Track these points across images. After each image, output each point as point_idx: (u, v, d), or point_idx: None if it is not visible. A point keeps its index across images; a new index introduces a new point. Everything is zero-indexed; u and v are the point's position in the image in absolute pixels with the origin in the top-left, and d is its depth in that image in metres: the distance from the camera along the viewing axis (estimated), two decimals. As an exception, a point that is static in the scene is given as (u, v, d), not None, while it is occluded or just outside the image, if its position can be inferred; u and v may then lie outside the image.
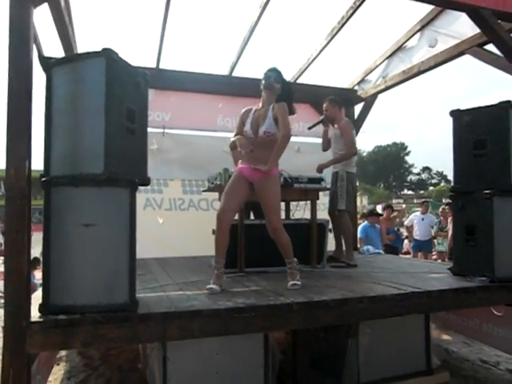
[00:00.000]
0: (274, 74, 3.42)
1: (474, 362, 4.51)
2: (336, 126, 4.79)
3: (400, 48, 5.59)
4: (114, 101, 2.38)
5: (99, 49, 2.41)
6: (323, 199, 5.14)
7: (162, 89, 5.74)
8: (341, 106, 5.05)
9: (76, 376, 3.92)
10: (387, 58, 5.80)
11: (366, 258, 5.28)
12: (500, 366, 4.34)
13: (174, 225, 5.78)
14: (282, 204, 5.32)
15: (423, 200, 9.52)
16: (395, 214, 9.37)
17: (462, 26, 4.44)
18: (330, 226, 4.55)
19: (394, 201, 35.00)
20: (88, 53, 2.45)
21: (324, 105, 4.90)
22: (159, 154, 5.74)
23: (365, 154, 62.56)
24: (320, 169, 4.69)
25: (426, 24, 5.05)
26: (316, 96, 6.43)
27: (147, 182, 2.71)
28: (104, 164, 2.32)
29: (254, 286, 3.39)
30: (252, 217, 4.94)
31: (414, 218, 9.00)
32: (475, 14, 3.65)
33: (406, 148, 67.68)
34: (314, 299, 2.82)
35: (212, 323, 2.57)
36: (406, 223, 9.19)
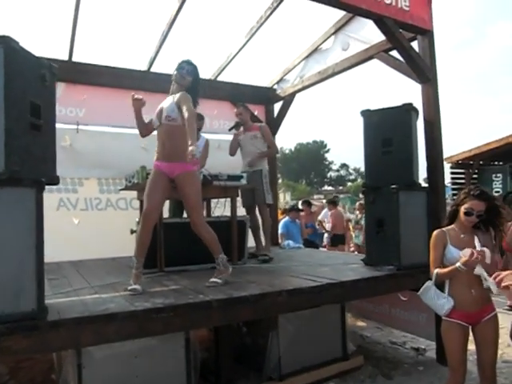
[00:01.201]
0: (188, 66, 3.38)
1: (385, 344, 4.86)
2: (249, 128, 5.07)
3: (316, 50, 5.81)
4: (14, 95, 2.21)
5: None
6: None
7: (74, 82, 5.43)
8: (249, 111, 5.37)
9: (-20, 396, 3.59)
10: (304, 58, 6.00)
11: (287, 253, 5.45)
12: (406, 345, 4.72)
13: (91, 225, 5.50)
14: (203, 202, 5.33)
15: (333, 197, 10.14)
16: (315, 209, 9.75)
17: (370, 33, 4.72)
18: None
19: (315, 196, 36.22)
20: (-20, 40, 2.23)
21: (237, 110, 5.15)
22: (73, 152, 5.43)
23: (287, 151, 64.32)
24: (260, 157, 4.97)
25: (339, 28, 5.31)
26: (236, 94, 6.52)
27: (56, 181, 2.55)
28: (5, 162, 2.15)
29: (174, 285, 3.35)
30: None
31: (325, 214, 9.41)
32: (380, 22, 3.92)
33: (325, 146, 70.56)
34: (233, 295, 2.85)
35: (129, 326, 2.49)
36: (319, 218, 9.59)
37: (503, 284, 2.28)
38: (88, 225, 5.50)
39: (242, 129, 5.13)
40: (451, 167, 10.31)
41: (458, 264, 2.48)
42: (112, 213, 5.79)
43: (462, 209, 2.63)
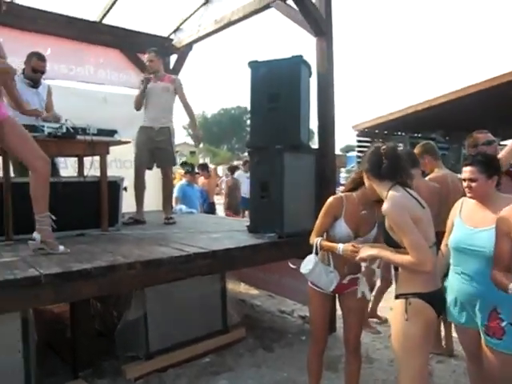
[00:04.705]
0: None
1: (274, 313, 4.70)
2: (161, 78, 4.51)
3: (214, -4, 5.26)
4: None
5: None
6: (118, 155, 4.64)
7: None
8: (162, 59, 4.84)
9: None
10: (202, 5, 5.43)
11: (176, 218, 5.01)
12: (294, 313, 4.59)
13: None
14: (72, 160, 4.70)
15: (245, 160, 9.70)
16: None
17: (269, -23, 4.27)
18: (126, 185, 4.09)
19: (235, 162, 36.01)
20: None
21: (147, 55, 4.57)
22: None
23: (209, 116, 62.96)
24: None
25: (237, -29, 4.79)
26: (128, 42, 5.82)
27: None
28: None
29: (12, 256, 2.77)
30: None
31: (239, 176, 9.06)
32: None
33: (248, 112, 70.04)
34: (72, 269, 2.37)
35: None
36: (230, 184, 9.24)
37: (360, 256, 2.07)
38: None
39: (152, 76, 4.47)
40: (357, 135, 10.40)
41: (340, 247, 2.22)
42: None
43: None
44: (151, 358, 3.23)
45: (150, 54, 4.50)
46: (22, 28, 5.03)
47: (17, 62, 4.03)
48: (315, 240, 2.37)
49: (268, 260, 3.53)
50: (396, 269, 2.12)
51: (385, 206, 1.91)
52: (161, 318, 3.27)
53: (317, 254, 2.37)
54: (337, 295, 2.51)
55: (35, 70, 4.03)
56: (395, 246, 1.95)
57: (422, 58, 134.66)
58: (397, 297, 2.01)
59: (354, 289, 2.40)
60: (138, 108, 4.54)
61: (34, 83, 4.08)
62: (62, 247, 2.89)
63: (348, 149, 27.36)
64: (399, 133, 11.06)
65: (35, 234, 2.84)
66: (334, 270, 2.35)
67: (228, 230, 3.94)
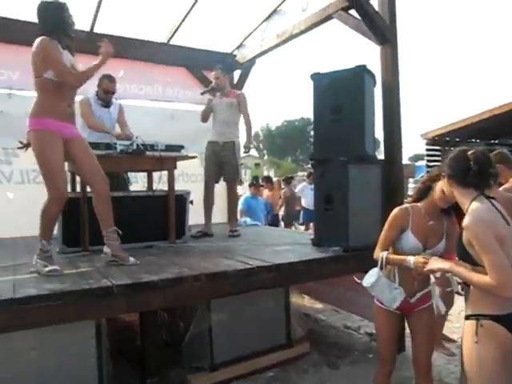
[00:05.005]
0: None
1: (339, 328, 4.57)
2: (226, 94, 4.65)
3: (276, 11, 5.33)
4: None
5: None
6: (185, 169, 4.80)
7: (6, 42, 4.89)
8: (229, 76, 5.05)
9: None
10: (264, 21, 5.52)
11: (240, 231, 5.08)
12: (360, 330, 4.43)
13: (27, 200, 5.02)
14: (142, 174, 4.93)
15: (309, 171, 9.63)
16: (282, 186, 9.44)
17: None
18: (192, 198, 4.21)
19: (299, 173, 35.85)
20: None
21: (214, 72, 4.72)
22: (4, 119, 4.91)
23: (273, 128, 63.48)
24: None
25: (298, -15, 4.83)
26: (193, 60, 6.04)
27: None
28: None
29: (87, 266, 2.95)
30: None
31: (303, 188, 9.05)
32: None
33: (312, 123, 69.52)
34: (141, 280, 2.47)
35: (7, 316, 2.10)
36: (288, 194, 9.22)
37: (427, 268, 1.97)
38: (23, 200, 5.02)
39: (218, 93, 4.66)
40: (427, 144, 9.93)
41: (410, 259, 2.11)
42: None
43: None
44: (216, 369, 3.26)
45: (217, 71, 4.64)
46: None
47: (91, 84, 4.36)
48: (380, 254, 2.28)
49: (332, 274, 3.46)
50: (467, 284, 1.96)
51: (466, 220, 1.75)
52: (225, 330, 3.30)
53: (382, 268, 2.28)
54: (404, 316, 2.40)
55: (106, 91, 4.32)
56: (472, 262, 1.81)
57: (495, 60, 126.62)
58: (467, 317, 1.85)
59: (424, 308, 2.27)
60: (203, 120, 4.70)
61: (106, 103, 4.38)
62: (132, 259, 3.03)
63: (417, 158, 26.25)
64: (473, 140, 10.40)
65: (105, 249, 3.00)
66: (400, 287, 2.24)
67: (292, 243, 3.91)
